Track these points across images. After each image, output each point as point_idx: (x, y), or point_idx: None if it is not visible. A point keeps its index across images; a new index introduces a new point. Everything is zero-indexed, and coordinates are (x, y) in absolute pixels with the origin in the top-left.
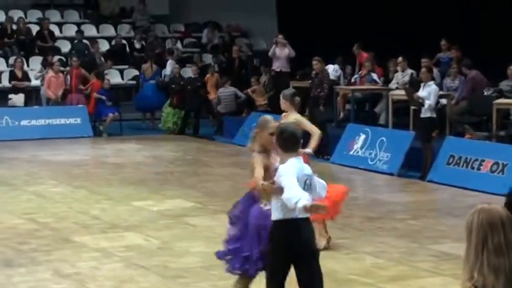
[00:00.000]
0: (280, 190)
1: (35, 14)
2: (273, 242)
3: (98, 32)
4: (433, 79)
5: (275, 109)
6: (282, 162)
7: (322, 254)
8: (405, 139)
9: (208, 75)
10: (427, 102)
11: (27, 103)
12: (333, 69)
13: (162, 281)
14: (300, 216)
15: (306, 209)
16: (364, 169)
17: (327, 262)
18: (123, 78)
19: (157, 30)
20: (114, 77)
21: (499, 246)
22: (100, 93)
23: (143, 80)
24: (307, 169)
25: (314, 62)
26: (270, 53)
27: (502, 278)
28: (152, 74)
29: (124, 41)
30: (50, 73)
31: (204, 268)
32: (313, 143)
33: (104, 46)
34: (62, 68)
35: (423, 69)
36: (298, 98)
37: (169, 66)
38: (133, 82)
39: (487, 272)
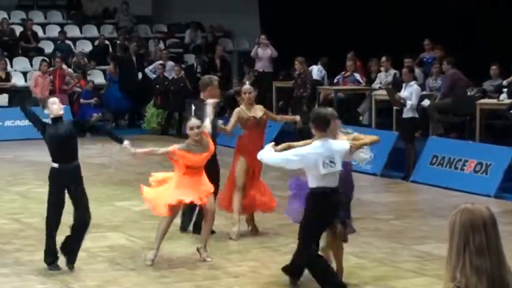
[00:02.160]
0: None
1: (18, 15)
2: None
3: (81, 32)
4: (415, 79)
5: None
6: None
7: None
8: (388, 139)
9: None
10: (408, 103)
11: (11, 103)
12: (317, 70)
13: (146, 281)
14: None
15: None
16: None
17: None
18: (105, 79)
19: (140, 30)
20: (97, 77)
21: (481, 247)
22: (84, 94)
23: (110, 81)
24: (336, 145)
25: (296, 63)
26: (252, 54)
27: (484, 278)
28: (117, 75)
29: (107, 42)
30: (37, 72)
31: (187, 268)
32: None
33: (87, 47)
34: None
35: (404, 70)
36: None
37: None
38: None
39: (470, 273)
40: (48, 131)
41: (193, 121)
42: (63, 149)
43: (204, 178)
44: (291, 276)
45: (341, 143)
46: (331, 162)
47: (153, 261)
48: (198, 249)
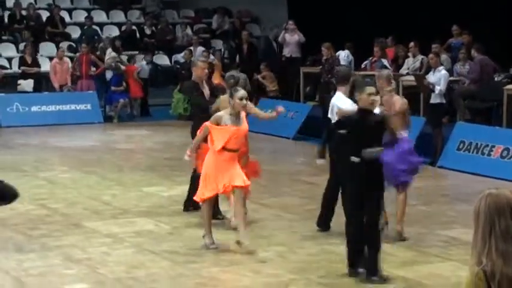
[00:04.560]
0: None
1: (44, 0)
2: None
3: (108, 17)
4: (441, 64)
5: (285, 95)
6: None
7: (332, 241)
8: (416, 125)
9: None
10: (437, 88)
11: (37, 89)
12: (344, 55)
13: (173, 266)
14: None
15: None
16: None
17: (338, 248)
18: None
19: (167, 16)
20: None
21: (507, 231)
22: (113, 80)
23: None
24: None
25: (323, 48)
26: (279, 39)
27: (510, 262)
28: None
29: (134, 27)
30: (55, 60)
31: (213, 253)
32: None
33: (114, 32)
34: (71, 54)
35: (431, 55)
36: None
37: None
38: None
39: (495, 257)
40: None
41: (243, 92)
42: None
43: (238, 169)
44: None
45: None
46: None
47: (214, 244)
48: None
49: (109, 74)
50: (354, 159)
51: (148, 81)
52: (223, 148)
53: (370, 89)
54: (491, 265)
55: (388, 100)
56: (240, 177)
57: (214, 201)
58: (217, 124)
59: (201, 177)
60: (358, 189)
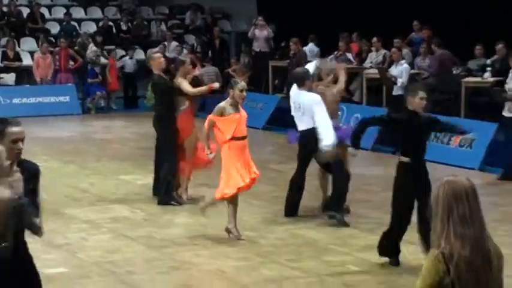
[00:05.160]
0: None
1: None
2: None
3: (86, 14)
4: (403, 58)
5: (256, 87)
6: None
7: (302, 226)
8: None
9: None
10: (399, 81)
11: (18, 82)
12: (309, 49)
13: (148, 251)
14: None
15: None
16: None
17: (308, 232)
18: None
19: (142, 12)
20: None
21: (464, 216)
22: (90, 73)
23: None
24: None
25: (291, 43)
26: (249, 34)
27: (467, 245)
28: None
29: (111, 23)
30: (38, 54)
31: (187, 238)
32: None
33: (92, 27)
34: (50, 49)
35: (393, 49)
36: None
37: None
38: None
39: (454, 240)
40: None
41: (243, 84)
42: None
43: (249, 160)
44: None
45: None
46: None
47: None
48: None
49: (97, 69)
50: (352, 151)
51: (133, 75)
52: (234, 138)
53: (422, 94)
54: (449, 248)
55: (324, 91)
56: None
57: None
58: (221, 115)
59: (222, 173)
60: (412, 189)
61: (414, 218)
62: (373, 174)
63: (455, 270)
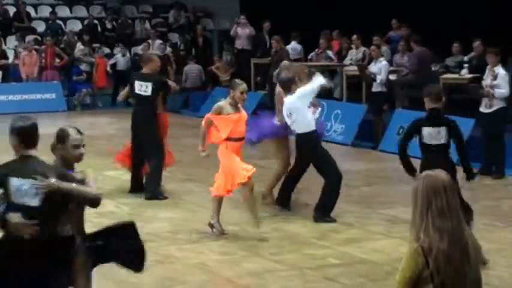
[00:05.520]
0: None
1: None
2: None
3: (71, 12)
4: (382, 56)
5: None
6: None
7: (283, 219)
8: (358, 112)
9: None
10: (378, 78)
11: (4, 79)
12: (291, 47)
13: None
14: None
15: None
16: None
17: (289, 226)
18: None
19: (127, 11)
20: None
21: (442, 209)
22: (75, 70)
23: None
24: None
25: (273, 41)
26: (232, 33)
27: (446, 238)
28: None
29: (96, 21)
30: (24, 52)
31: (171, 233)
32: None
33: (77, 26)
34: (36, 47)
35: (372, 47)
36: None
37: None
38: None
39: (432, 233)
40: None
41: (245, 86)
42: None
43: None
44: None
45: None
46: None
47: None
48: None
49: (82, 66)
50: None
51: (125, 72)
52: (229, 138)
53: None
54: (428, 241)
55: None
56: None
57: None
58: (219, 114)
59: (220, 172)
60: None
61: (395, 212)
62: (353, 169)
63: (434, 263)
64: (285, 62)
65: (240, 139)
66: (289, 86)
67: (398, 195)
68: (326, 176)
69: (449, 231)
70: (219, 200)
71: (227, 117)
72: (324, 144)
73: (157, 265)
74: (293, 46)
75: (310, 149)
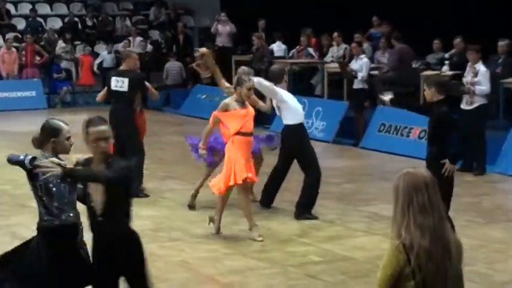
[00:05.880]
0: None
1: None
2: None
3: (52, 10)
4: (363, 53)
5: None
6: None
7: (265, 217)
8: (340, 109)
9: None
10: (359, 75)
11: None
12: (276, 47)
13: None
14: None
15: None
16: None
17: (272, 224)
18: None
19: (107, 8)
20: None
21: (423, 206)
22: (55, 68)
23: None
24: None
25: (254, 38)
26: (212, 30)
27: (427, 234)
28: None
29: (76, 19)
30: (3, 49)
31: (152, 230)
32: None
33: (57, 23)
34: (16, 44)
35: (354, 44)
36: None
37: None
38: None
39: (414, 230)
40: None
41: (252, 83)
42: None
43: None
44: None
45: None
46: None
47: (261, 236)
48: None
49: (62, 64)
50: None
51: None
52: (239, 133)
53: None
54: (409, 238)
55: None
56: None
57: (249, 189)
58: (226, 111)
59: (226, 167)
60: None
61: (376, 209)
62: (334, 166)
63: (416, 260)
64: (244, 68)
65: (249, 134)
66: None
67: (380, 192)
68: (307, 172)
69: (430, 228)
70: (224, 198)
71: (234, 112)
72: None
73: None
74: (278, 45)
75: (298, 140)
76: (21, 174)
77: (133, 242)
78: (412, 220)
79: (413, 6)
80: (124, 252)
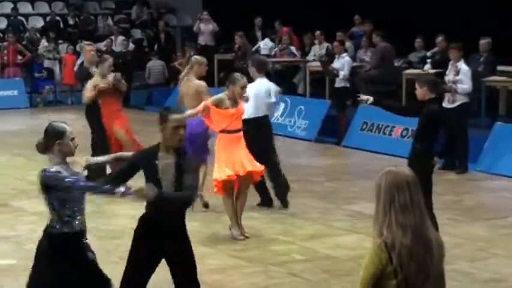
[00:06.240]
0: None
1: None
2: None
3: (33, 9)
4: (345, 51)
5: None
6: None
7: (249, 216)
8: (322, 107)
9: None
10: (341, 73)
11: None
12: (263, 44)
13: (97, 241)
14: None
15: None
16: (284, 135)
17: (253, 222)
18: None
19: (89, 7)
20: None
21: (405, 205)
22: (36, 67)
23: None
24: None
25: (236, 37)
26: (194, 29)
27: (409, 233)
28: None
29: (58, 18)
30: None
31: (132, 229)
32: None
33: (39, 22)
34: None
35: (335, 43)
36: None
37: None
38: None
39: (395, 229)
40: None
41: (246, 81)
42: None
43: (246, 154)
44: None
45: None
46: None
47: (243, 234)
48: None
49: (45, 64)
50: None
51: None
52: (225, 131)
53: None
54: (391, 237)
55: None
56: (251, 162)
57: (233, 190)
58: (217, 106)
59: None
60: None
61: (358, 207)
62: (317, 165)
63: (398, 259)
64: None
65: (236, 131)
66: (264, 66)
67: (362, 191)
68: (268, 163)
69: (412, 227)
70: (227, 202)
71: (224, 112)
72: (288, 140)
73: (121, 262)
74: (265, 42)
75: (268, 131)
76: (3, 173)
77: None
78: (393, 219)
79: (395, 4)
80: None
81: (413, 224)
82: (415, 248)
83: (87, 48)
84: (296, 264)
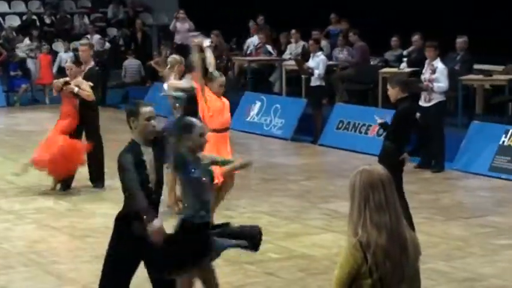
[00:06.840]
0: None
1: None
2: None
3: (10, 8)
4: (321, 50)
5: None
6: None
7: (224, 215)
8: (298, 106)
9: None
10: (316, 72)
11: None
12: (252, 43)
13: (72, 240)
14: None
15: None
16: (260, 134)
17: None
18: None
19: (65, 6)
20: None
21: (380, 204)
22: (12, 66)
23: None
24: None
25: (212, 36)
26: (171, 27)
27: (383, 232)
28: None
29: (34, 17)
30: None
31: (109, 228)
32: None
33: (15, 21)
34: None
35: (311, 41)
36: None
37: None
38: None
39: (370, 228)
40: None
41: (224, 79)
42: None
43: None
44: None
45: None
46: None
47: None
48: None
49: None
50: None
51: None
52: (214, 130)
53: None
54: (366, 236)
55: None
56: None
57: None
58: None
59: None
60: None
61: (334, 206)
62: (293, 163)
63: (373, 259)
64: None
65: (224, 130)
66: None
67: (338, 190)
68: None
69: (387, 226)
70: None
71: (212, 103)
72: (264, 138)
73: (97, 260)
74: (253, 40)
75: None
76: None
77: None
78: (368, 218)
79: (371, 3)
80: None
81: (388, 223)
82: (390, 247)
83: (81, 48)
84: (272, 263)
